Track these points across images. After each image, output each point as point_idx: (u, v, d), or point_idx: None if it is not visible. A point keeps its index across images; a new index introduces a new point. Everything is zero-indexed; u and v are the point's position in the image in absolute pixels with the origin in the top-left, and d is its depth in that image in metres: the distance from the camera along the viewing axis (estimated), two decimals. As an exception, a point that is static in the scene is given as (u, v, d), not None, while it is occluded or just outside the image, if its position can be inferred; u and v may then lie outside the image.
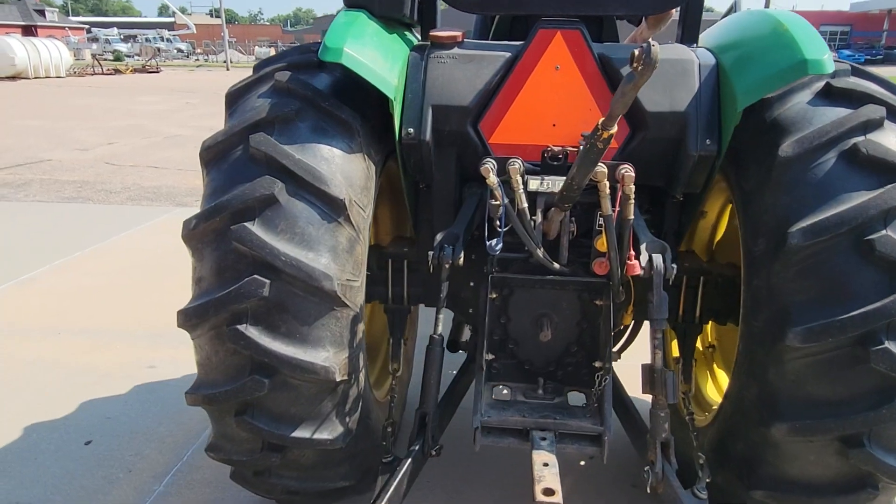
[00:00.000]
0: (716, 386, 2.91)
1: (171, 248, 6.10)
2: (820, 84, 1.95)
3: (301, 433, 1.99)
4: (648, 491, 2.08)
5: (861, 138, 1.81)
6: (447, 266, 2.10)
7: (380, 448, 2.22)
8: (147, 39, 56.54)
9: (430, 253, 2.12)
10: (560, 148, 2.16)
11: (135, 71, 38.93)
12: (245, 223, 1.87)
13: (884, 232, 1.71)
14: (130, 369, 3.82)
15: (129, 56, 51.47)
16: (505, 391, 2.32)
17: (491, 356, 2.24)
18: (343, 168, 2.00)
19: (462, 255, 2.11)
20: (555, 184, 2.11)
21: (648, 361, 1.99)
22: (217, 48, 56.61)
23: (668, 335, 2.86)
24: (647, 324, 2.04)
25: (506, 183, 2.04)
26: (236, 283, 1.87)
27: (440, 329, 2.16)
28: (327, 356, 1.95)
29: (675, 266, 2.05)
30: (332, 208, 1.95)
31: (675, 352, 3.07)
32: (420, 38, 2.39)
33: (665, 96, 2.12)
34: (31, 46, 32.29)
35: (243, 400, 1.95)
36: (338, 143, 2.03)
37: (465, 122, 2.23)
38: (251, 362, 1.92)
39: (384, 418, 2.41)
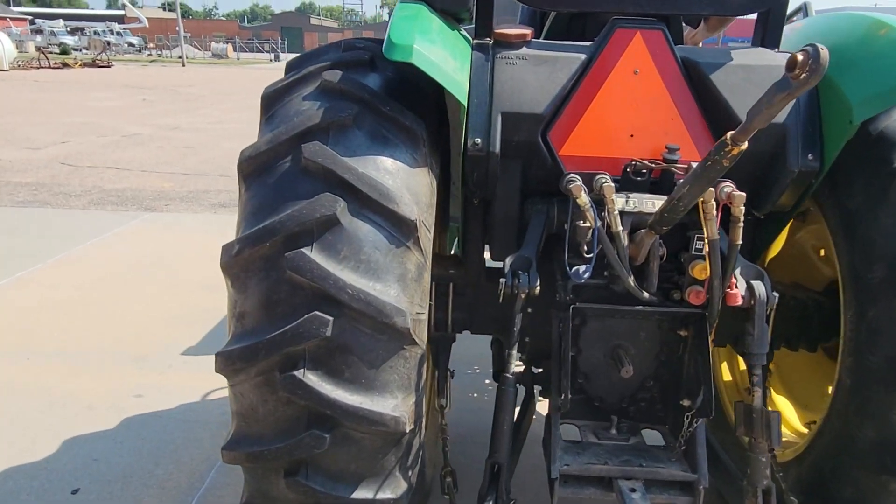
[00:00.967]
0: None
1: (147, 256, 5.68)
2: None
3: (363, 493, 1.71)
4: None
5: None
6: (523, 295, 1.85)
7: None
8: (96, 32, 54.21)
9: (503, 280, 1.87)
10: (645, 162, 1.93)
11: (84, 65, 37.23)
12: (302, 249, 1.58)
13: None
14: (115, 399, 3.44)
15: (76, 49, 49.33)
16: (574, 432, 2.09)
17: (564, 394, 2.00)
18: (409, 183, 1.73)
19: (538, 282, 1.87)
20: (642, 203, 1.89)
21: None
22: (171, 43, 54.83)
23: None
24: None
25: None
26: (292, 320, 1.58)
27: (512, 367, 1.91)
28: (396, 404, 1.67)
29: (776, 295, 1.85)
30: (401, 231, 1.67)
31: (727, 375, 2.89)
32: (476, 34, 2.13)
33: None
34: (-30, 37, 30.60)
35: (298, 458, 1.66)
36: (401, 153, 1.75)
37: (537, 132, 1.98)
38: (308, 414, 1.63)
39: (442, 466, 2.14)
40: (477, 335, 2.47)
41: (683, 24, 2.78)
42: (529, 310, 2.26)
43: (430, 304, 2.42)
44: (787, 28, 2.27)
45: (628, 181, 1.95)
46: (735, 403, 1.88)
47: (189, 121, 15.27)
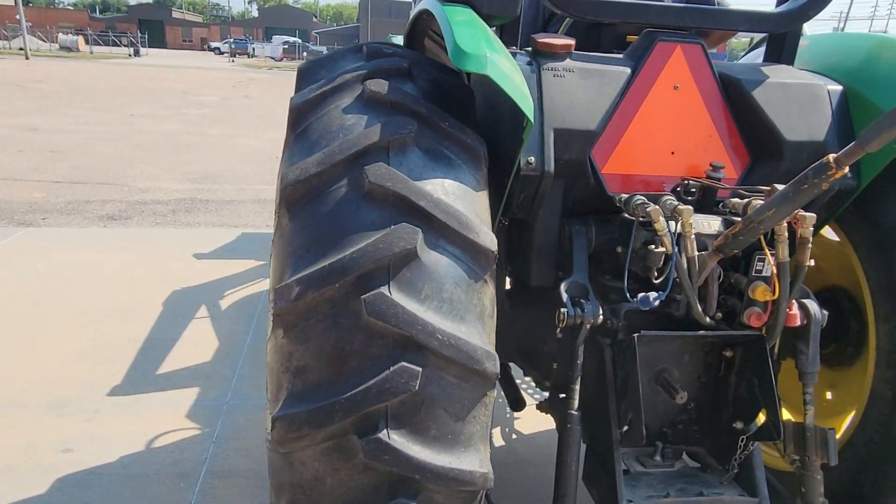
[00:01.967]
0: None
1: (36, 281, 4.93)
2: None
3: None
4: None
5: None
6: (588, 326, 1.73)
7: None
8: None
9: (563, 310, 1.74)
10: (698, 182, 1.88)
11: None
12: (380, 289, 1.36)
13: None
14: (39, 456, 2.90)
15: None
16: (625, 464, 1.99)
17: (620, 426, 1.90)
18: (477, 208, 1.55)
19: (600, 311, 1.76)
20: (701, 224, 1.83)
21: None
22: (10, 33, 49.14)
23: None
24: None
25: (645, 223, 1.74)
26: (373, 374, 1.35)
27: (576, 404, 1.78)
28: (481, 458, 1.49)
29: (826, 313, 1.87)
30: (480, 263, 1.50)
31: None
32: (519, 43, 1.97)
33: (802, 123, 1.92)
34: None
35: None
36: (465, 175, 1.58)
37: (587, 150, 1.87)
38: (390, 481, 1.40)
39: None
40: None
41: None
42: (559, 335, 2.14)
43: None
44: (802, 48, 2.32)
45: (680, 201, 1.89)
46: (785, 422, 1.87)
47: (49, 121, 13.67)
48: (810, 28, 2.44)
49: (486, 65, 1.51)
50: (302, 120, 1.65)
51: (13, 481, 2.73)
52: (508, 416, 3.45)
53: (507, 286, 2.31)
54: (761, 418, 1.88)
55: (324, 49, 52.58)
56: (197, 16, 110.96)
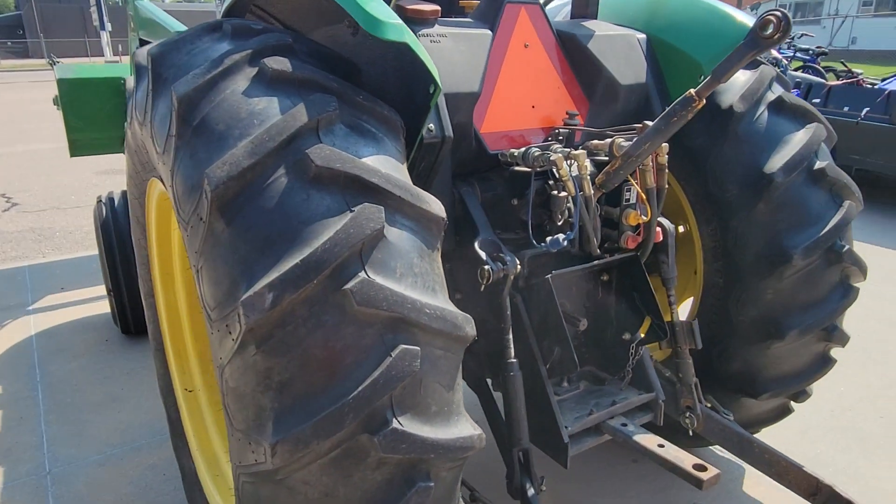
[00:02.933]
0: None
1: None
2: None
3: None
4: (692, 434, 2.26)
5: (772, 94, 2.26)
6: (512, 277, 1.84)
7: None
8: None
9: (486, 267, 1.81)
10: (567, 130, 2.07)
11: None
12: (362, 276, 1.28)
13: (819, 164, 2.20)
14: None
15: None
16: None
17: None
18: (407, 177, 1.53)
19: (517, 261, 1.87)
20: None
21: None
22: None
23: None
24: None
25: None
26: (374, 364, 1.28)
27: (513, 353, 1.88)
28: (471, 422, 1.50)
29: (675, 227, 2.23)
30: (433, 232, 1.49)
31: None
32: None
33: (629, 69, 2.22)
34: None
35: None
36: (391, 148, 1.54)
37: (471, 112, 1.93)
38: (403, 470, 1.36)
39: None
40: None
41: None
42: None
43: None
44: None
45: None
46: (655, 324, 2.20)
47: None
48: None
49: (404, 33, 1.48)
50: (194, 110, 1.43)
51: None
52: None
53: None
54: (646, 326, 2.19)
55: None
56: None
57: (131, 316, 4.00)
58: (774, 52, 9.17)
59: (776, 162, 2.16)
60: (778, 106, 2.25)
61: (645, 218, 2.04)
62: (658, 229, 2.12)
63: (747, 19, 2.17)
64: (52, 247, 6.30)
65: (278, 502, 1.33)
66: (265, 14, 2.25)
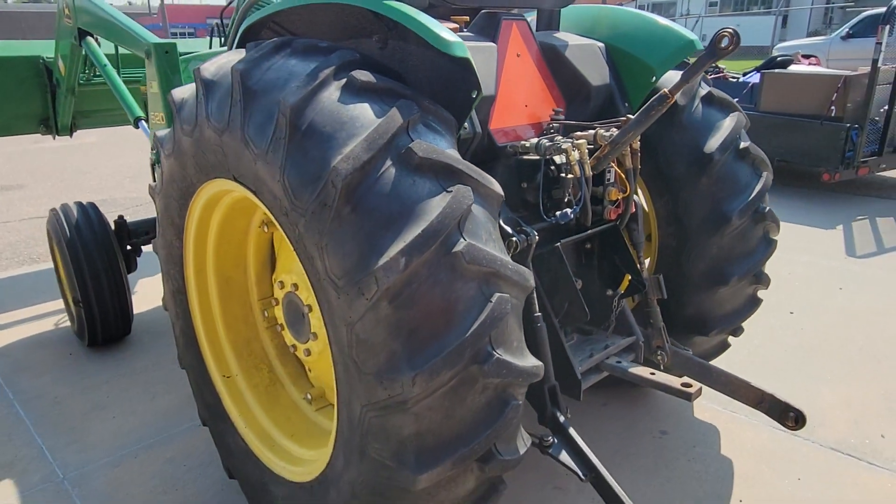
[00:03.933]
0: None
1: None
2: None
3: (523, 445, 1.89)
4: (662, 368, 2.78)
5: (703, 90, 2.82)
6: (534, 246, 2.24)
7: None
8: None
9: (513, 238, 2.20)
10: (557, 124, 2.49)
11: None
12: (466, 241, 1.64)
13: (743, 144, 2.78)
14: None
15: None
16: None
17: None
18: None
19: (535, 232, 2.27)
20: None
21: None
22: None
23: None
24: None
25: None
26: (480, 308, 1.64)
27: (538, 309, 2.27)
28: (532, 356, 1.89)
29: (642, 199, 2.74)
30: (495, 206, 1.86)
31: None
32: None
33: (597, 73, 2.69)
34: None
35: (495, 439, 1.73)
36: (451, 141, 1.89)
37: (489, 113, 2.31)
38: (499, 392, 1.73)
39: None
40: None
41: None
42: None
43: None
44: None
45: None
46: (634, 280, 2.69)
47: None
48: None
49: (466, 50, 1.85)
50: (301, 116, 1.71)
51: None
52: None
53: None
54: (625, 282, 2.68)
55: None
56: None
57: (101, 326, 4.00)
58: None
59: (713, 143, 2.71)
60: (709, 99, 2.82)
61: (623, 194, 2.52)
62: (632, 203, 2.61)
63: (684, 31, 2.71)
64: (-34, 269, 5.95)
65: (406, 429, 1.65)
66: (282, 29, 2.51)
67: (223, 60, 2.08)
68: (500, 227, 2.21)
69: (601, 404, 3.40)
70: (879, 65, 6.71)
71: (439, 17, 2.72)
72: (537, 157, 2.32)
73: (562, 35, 2.77)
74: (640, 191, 2.93)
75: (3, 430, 3.33)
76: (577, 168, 2.27)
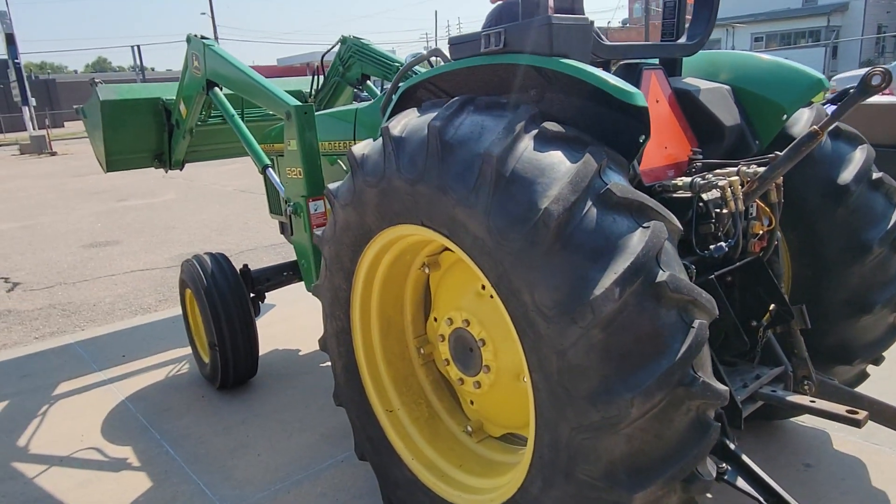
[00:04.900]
0: None
1: None
2: None
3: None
4: (811, 397, 2.81)
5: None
6: (693, 278, 2.35)
7: None
8: None
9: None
10: (699, 163, 2.64)
11: None
12: (665, 272, 1.78)
13: (875, 175, 2.86)
14: None
15: None
16: None
17: None
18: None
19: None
20: None
21: None
22: None
23: None
24: None
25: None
26: (684, 333, 1.76)
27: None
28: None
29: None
30: (676, 238, 1.99)
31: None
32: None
33: (729, 114, 2.83)
34: None
35: (701, 458, 1.83)
36: (626, 180, 2.04)
37: (642, 155, 2.47)
38: (700, 413, 1.83)
39: None
40: None
41: None
42: None
43: None
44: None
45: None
46: (781, 309, 2.75)
47: None
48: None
49: (644, 99, 2.02)
50: (505, 165, 1.90)
51: None
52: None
53: None
54: (768, 315, 2.74)
55: None
56: None
57: (233, 369, 4.25)
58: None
59: (847, 175, 2.80)
60: (837, 133, 2.92)
61: (768, 227, 2.62)
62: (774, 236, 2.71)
63: (812, 71, 2.84)
64: (85, 320, 6.36)
65: (618, 449, 1.77)
66: (436, 89, 2.75)
67: (407, 119, 2.31)
68: None
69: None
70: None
71: None
72: (688, 195, 2.45)
73: (691, 80, 2.93)
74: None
75: (159, 468, 3.56)
76: (732, 204, 2.39)
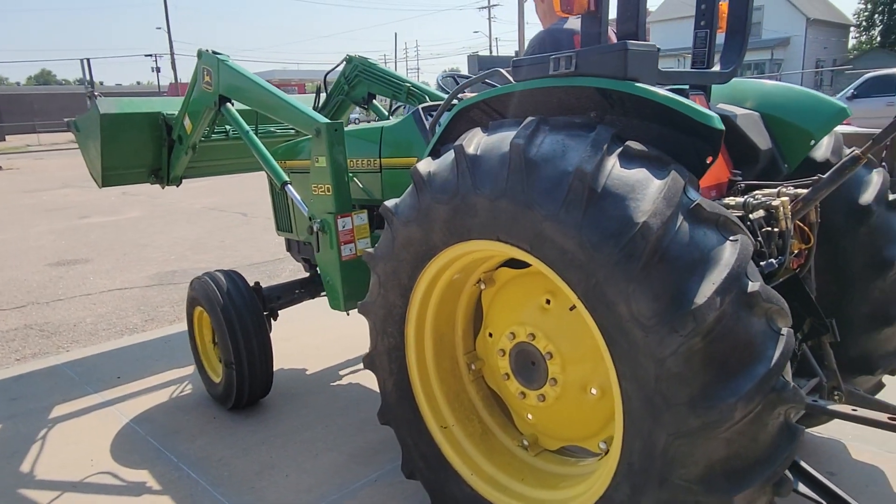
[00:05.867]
0: None
1: None
2: None
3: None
4: (839, 406, 2.96)
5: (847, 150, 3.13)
6: None
7: None
8: None
9: None
10: (741, 184, 2.78)
11: None
12: (756, 282, 1.88)
13: (892, 196, 3.07)
14: None
15: None
16: None
17: None
18: None
19: None
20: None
21: None
22: None
23: None
24: None
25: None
26: (775, 339, 1.87)
27: None
28: None
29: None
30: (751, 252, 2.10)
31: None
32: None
33: (761, 138, 3.00)
34: None
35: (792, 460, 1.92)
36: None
37: None
38: (788, 419, 1.92)
39: None
40: None
41: None
42: None
43: None
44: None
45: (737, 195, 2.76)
46: (817, 323, 2.90)
47: None
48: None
49: (722, 122, 2.14)
50: (596, 181, 1.98)
51: None
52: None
53: None
54: (805, 329, 2.89)
55: None
56: None
57: (248, 388, 4.17)
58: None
59: (868, 197, 3.00)
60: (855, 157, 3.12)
61: (806, 245, 2.78)
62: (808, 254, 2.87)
63: (835, 100, 3.05)
64: (68, 340, 6.11)
65: (716, 453, 1.84)
66: (490, 109, 2.82)
67: (479, 138, 2.36)
68: None
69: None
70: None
71: None
72: (739, 213, 2.58)
73: (725, 106, 3.09)
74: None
75: (183, 492, 3.45)
76: (783, 223, 2.53)
